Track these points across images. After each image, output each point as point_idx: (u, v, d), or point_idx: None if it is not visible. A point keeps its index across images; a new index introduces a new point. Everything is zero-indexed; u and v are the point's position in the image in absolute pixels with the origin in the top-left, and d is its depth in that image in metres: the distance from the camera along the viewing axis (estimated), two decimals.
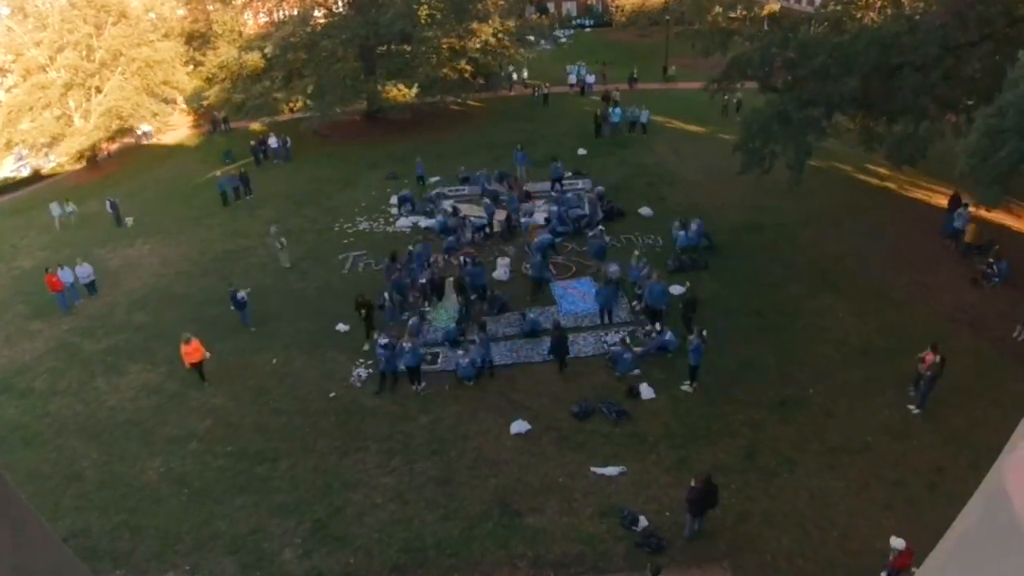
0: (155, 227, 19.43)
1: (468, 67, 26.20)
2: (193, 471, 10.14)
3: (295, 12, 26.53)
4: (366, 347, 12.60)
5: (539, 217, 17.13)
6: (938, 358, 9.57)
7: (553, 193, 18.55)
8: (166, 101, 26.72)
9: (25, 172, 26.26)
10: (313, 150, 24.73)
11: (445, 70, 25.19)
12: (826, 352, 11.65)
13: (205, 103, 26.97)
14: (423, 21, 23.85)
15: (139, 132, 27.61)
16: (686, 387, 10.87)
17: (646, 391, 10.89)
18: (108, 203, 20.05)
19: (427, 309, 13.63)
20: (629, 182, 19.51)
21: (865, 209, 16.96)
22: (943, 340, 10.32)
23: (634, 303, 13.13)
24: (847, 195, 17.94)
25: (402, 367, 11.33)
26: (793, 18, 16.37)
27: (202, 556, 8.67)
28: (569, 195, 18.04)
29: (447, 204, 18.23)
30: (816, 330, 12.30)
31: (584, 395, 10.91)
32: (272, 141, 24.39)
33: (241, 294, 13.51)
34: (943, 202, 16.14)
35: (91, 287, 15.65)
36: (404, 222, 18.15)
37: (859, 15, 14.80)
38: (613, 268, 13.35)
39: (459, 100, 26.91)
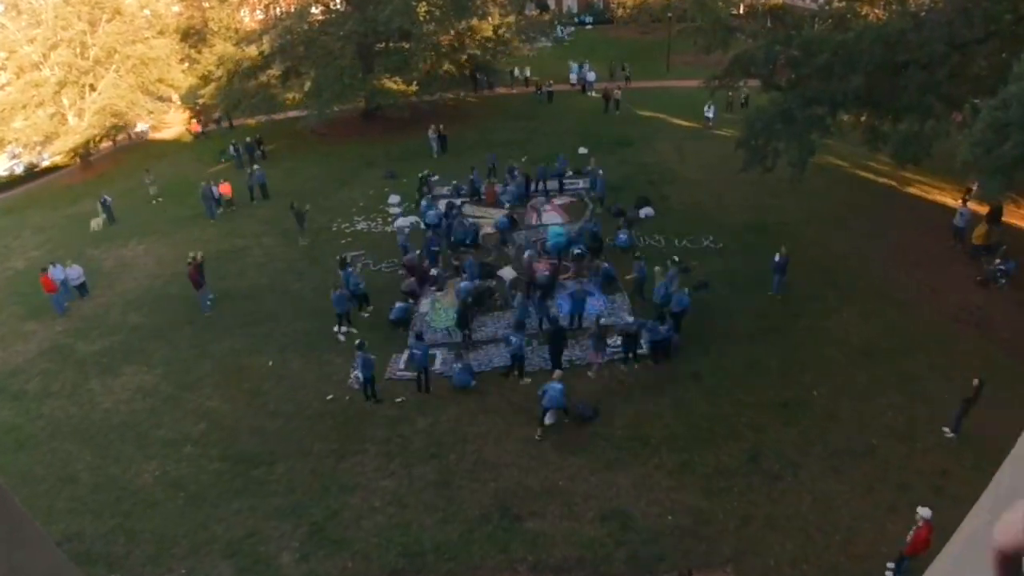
0: (150, 227, 19.25)
1: (467, 63, 26.00)
2: (189, 474, 10.02)
3: (292, 9, 26.29)
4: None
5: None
6: (976, 381, 9.28)
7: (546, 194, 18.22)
8: (161, 99, 26.49)
9: (19, 170, 26.02)
10: (310, 149, 24.54)
11: (445, 65, 24.97)
12: (830, 353, 11.54)
13: (201, 101, 26.73)
14: (422, 18, 23.65)
15: (136, 130, 27.40)
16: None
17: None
18: (101, 201, 19.84)
19: (427, 308, 13.46)
20: (630, 181, 19.35)
21: (869, 208, 16.82)
22: (949, 341, 10.22)
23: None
24: (851, 194, 17.81)
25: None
26: (796, 15, 16.19)
27: (198, 560, 8.57)
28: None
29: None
30: (819, 331, 12.19)
31: (584, 397, 10.79)
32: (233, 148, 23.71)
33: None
34: (948, 201, 16.01)
35: (82, 288, 15.47)
36: (403, 222, 18.00)
37: (863, 12, 14.66)
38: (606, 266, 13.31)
39: (458, 96, 26.69)
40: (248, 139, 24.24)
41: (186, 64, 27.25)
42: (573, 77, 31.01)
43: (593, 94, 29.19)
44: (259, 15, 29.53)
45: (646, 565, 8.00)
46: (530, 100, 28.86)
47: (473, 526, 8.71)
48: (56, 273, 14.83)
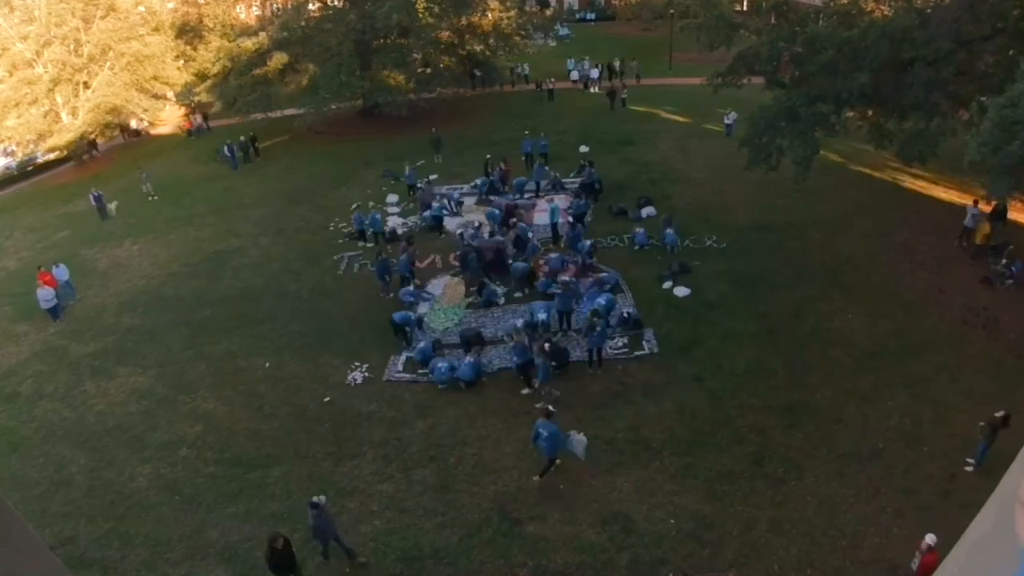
0: (145, 226, 19.05)
1: (466, 59, 25.78)
2: (184, 478, 9.88)
3: (289, 5, 26.06)
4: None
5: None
6: (1001, 413, 8.68)
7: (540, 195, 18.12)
8: (156, 96, 26.25)
9: (13, 168, 25.77)
10: (307, 148, 24.34)
11: (444, 60, 24.73)
12: (835, 355, 11.37)
13: (196, 98, 26.50)
14: (420, 13, 23.43)
15: (131, 126, 27.16)
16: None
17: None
18: (92, 196, 19.61)
19: (427, 300, 13.37)
20: (632, 180, 19.17)
21: (875, 208, 16.62)
22: (956, 343, 10.07)
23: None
24: (857, 194, 17.61)
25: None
26: (801, 12, 15.97)
27: (194, 565, 8.44)
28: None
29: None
30: (825, 332, 12.01)
31: (585, 397, 10.64)
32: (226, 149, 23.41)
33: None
34: (955, 200, 15.84)
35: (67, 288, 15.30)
36: (399, 221, 17.81)
37: (869, 8, 14.46)
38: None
39: (456, 93, 26.48)
40: (242, 138, 24.01)
41: (181, 61, 27.02)
42: (574, 75, 30.79)
43: (595, 90, 28.99)
44: (255, 11, 29.30)
45: (648, 570, 7.86)
46: (531, 98, 28.66)
47: (472, 530, 8.58)
48: (60, 273, 14.75)
